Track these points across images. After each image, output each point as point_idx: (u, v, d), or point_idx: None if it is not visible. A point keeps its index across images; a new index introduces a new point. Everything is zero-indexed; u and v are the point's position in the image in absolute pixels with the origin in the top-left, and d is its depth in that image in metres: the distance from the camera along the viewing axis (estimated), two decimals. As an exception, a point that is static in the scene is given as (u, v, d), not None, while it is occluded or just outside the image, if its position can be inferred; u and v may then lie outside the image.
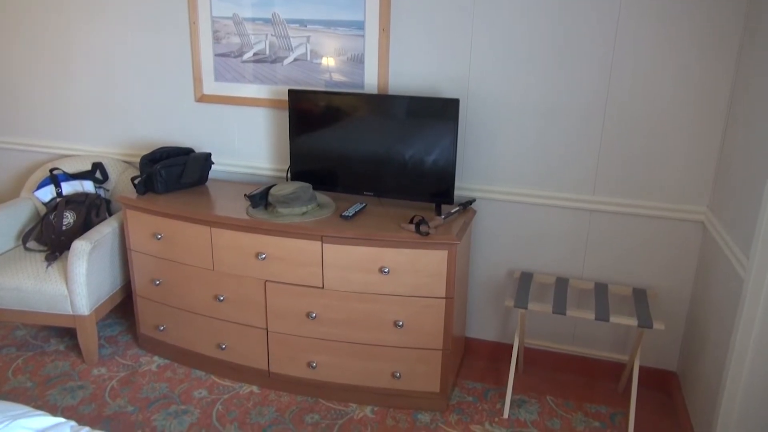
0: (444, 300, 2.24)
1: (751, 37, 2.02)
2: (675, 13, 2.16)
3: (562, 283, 2.46)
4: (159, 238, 2.51)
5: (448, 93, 2.49)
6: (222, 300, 2.47)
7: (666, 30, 2.19)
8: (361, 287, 2.28)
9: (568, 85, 2.35)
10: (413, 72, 2.51)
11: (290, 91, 2.51)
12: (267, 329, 2.44)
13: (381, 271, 2.23)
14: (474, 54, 2.43)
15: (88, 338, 2.62)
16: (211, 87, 2.80)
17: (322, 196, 2.57)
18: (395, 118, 2.40)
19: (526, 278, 2.51)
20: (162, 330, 2.67)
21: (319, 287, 2.32)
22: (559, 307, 2.24)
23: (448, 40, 2.44)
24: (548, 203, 2.49)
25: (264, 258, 2.34)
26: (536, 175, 2.49)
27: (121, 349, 2.80)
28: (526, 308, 2.27)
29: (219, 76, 2.77)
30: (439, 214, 2.40)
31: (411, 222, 2.27)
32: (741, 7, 2.09)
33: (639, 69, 2.25)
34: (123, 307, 3.06)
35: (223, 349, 2.55)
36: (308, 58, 2.63)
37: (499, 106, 2.45)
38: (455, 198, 2.51)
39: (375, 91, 2.56)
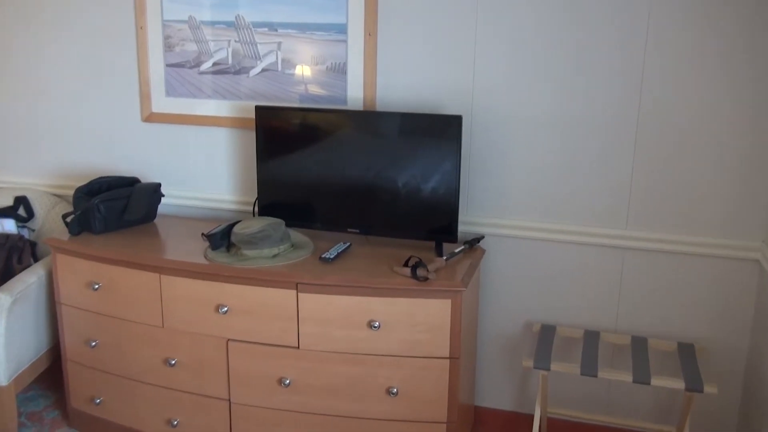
0: (448, 360, 2.23)
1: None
2: (721, 10, 2.19)
3: (591, 338, 2.46)
4: (96, 289, 2.49)
5: (448, 108, 2.51)
6: (173, 364, 2.44)
7: (710, 31, 2.22)
8: (346, 346, 2.26)
9: (591, 98, 2.37)
10: (406, 84, 2.53)
11: (257, 108, 2.53)
12: (229, 400, 2.41)
13: (370, 325, 2.22)
14: (479, 62, 2.45)
15: (6, 414, 2.57)
16: (161, 104, 2.81)
17: (297, 235, 2.57)
18: (385, 139, 2.42)
19: (547, 332, 2.50)
20: (98, 403, 2.63)
21: (293, 347, 2.30)
22: (589, 368, 2.23)
23: (448, 46, 2.47)
24: (572, 240, 2.50)
25: (226, 312, 2.32)
26: (557, 206, 2.50)
27: (46, 427, 2.75)
28: (548, 369, 2.25)
29: (171, 91, 2.78)
30: (440, 254, 2.39)
31: (406, 265, 2.26)
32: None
33: (677, 78, 2.28)
34: (50, 375, 3.00)
35: (174, 425, 2.51)
36: (279, 68, 2.65)
37: (511, 123, 2.46)
38: (459, 235, 2.49)
39: (360, 107, 2.58)
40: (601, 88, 2.36)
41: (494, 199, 2.55)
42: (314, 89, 2.63)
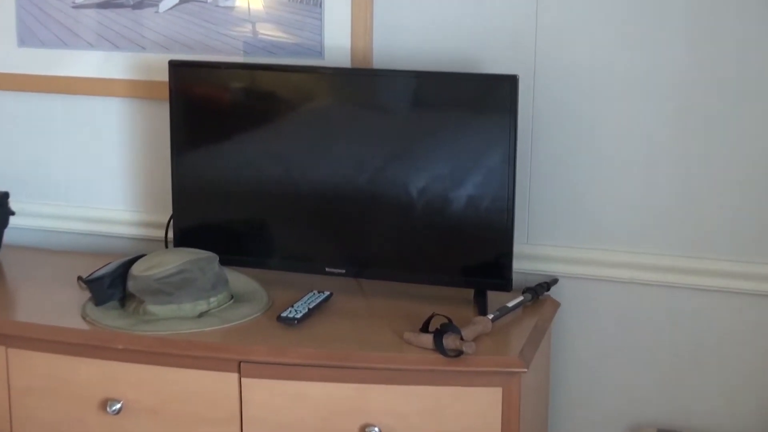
0: (499, 493, 2.24)
1: None
2: None
3: (742, 452, 2.40)
4: None
5: (494, 65, 2.47)
6: (28, 502, 2.42)
7: None
8: (325, 470, 2.24)
9: (744, 57, 2.37)
10: (422, 23, 2.55)
11: (173, 65, 2.54)
12: None
13: (366, 433, 2.20)
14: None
15: None
16: (10, 59, 2.84)
17: (241, 278, 2.56)
18: (390, 117, 2.46)
19: (666, 442, 2.46)
20: None
21: (234, 471, 2.29)
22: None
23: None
24: (708, 285, 2.49)
25: (118, 411, 2.28)
26: (680, 230, 2.51)
27: None
28: None
29: (27, 37, 2.81)
30: (483, 311, 2.36)
31: (425, 329, 2.21)
32: None
33: None
34: None
35: None
36: (209, -2, 2.64)
37: (602, 91, 2.49)
38: (516, 277, 2.47)
39: (347, 63, 2.60)
40: (755, 51, 2.36)
41: (573, 217, 2.56)
42: (268, 32, 2.64)
